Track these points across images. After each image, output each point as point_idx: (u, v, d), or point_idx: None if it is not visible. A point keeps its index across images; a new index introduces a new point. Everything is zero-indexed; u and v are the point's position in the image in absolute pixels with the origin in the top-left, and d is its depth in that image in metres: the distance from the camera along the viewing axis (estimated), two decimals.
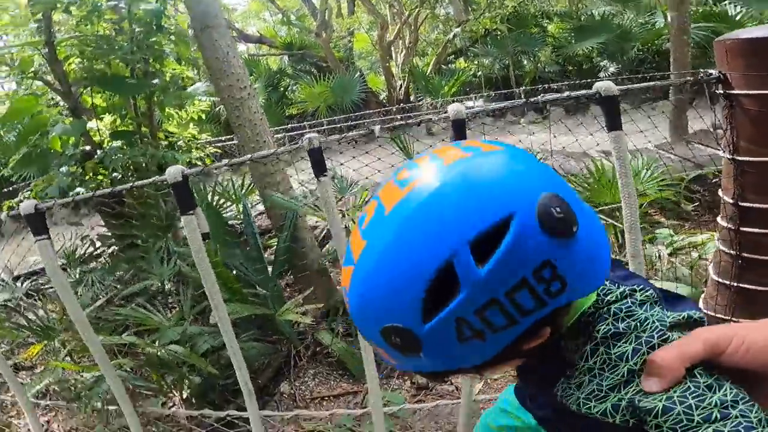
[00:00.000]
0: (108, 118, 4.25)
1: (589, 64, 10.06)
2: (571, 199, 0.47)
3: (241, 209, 3.58)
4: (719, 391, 0.43)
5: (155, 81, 3.61)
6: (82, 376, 2.22)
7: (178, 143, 4.19)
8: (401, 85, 10.59)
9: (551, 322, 0.49)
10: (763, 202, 1.41)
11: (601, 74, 9.55)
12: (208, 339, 2.34)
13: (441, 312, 0.44)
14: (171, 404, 2.62)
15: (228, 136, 7.50)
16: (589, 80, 8.41)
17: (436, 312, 0.44)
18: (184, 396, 2.51)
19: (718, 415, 0.41)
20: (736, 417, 0.41)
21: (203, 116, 5.17)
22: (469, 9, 9.96)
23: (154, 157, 3.63)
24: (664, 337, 0.48)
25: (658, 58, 9.32)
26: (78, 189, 3.61)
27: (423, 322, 0.45)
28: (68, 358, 2.60)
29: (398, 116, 9.20)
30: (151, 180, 1.61)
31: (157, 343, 2.25)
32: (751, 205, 1.42)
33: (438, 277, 0.43)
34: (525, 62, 10.20)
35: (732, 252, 1.47)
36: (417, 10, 9.52)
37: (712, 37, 8.06)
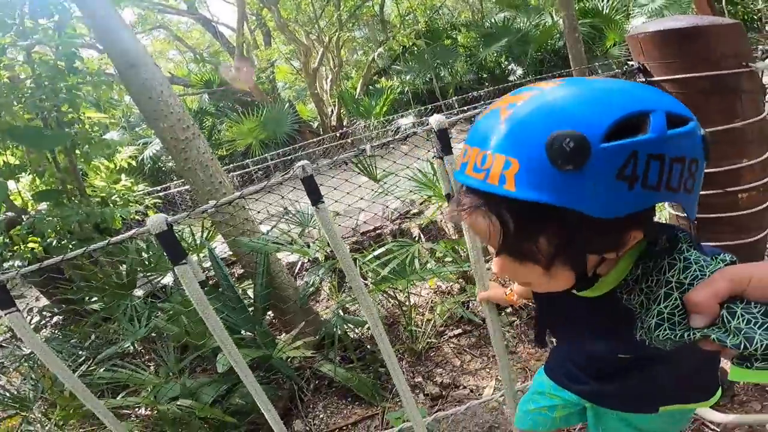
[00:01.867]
0: (26, 178, 3.86)
1: (499, 69, 10.80)
2: None
3: (202, 257, 3.40)
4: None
5: (74, 131, 3.33)
6: None
7: (112, 198, 3.91)
8: (332, 111, 10.67)
9: (649, 228, 0.59)
10: (708, 167, 1.62)
11: (511, 77, 10.27)
12: (210, 390, 2.19)
13: (625, 139, 0.49)
14: None
15: (164, 185, 7.10)
16: (501, 86, 9.09)
17: (618, 138, 0.49)
18: None
19: None
20: None
21: (133, 164, 4.87)
22: (386, 28, 10.34)
23: (90, 216, 3.35)
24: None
25: (554, 56, 10.23)
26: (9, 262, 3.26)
27: (604, 139, 0.49)
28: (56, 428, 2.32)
29: (333, 144, 9.24)
30: (131, 233, 1.48)
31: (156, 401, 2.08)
32: None
33: (633, 117, 0.50)
34: (444, 74, 10.71)
35: (686, 214, 1.69)
36: (337, 33, 9.72)
37: (593, 32, 9.13)
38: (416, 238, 4.17)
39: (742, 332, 0.49)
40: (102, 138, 3.78)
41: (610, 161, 0.49)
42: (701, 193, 1.77)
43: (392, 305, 3.40)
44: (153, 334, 2.86)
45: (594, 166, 0.49)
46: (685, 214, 0.60)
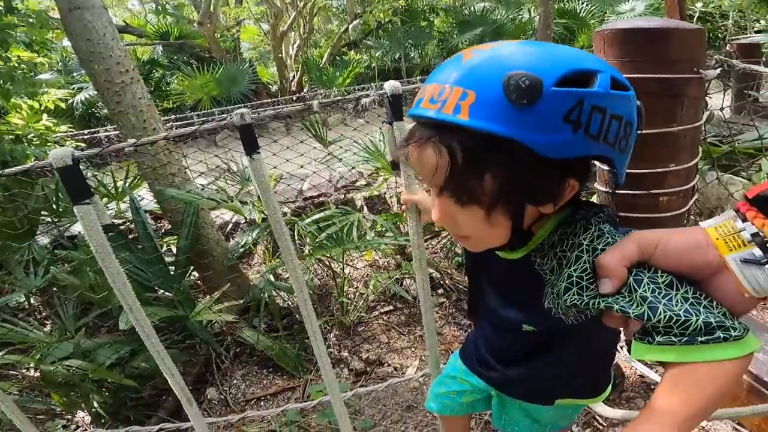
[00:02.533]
0: None
1: None
2: None
3: (123, 207, 3.13)
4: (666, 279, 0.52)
5: None
6: None
7: (29, 137, 3.54)
8: (293, 77, 10.28)
9: (585, 178, 0.61)
10: (637, 167, 1.65)
11: None
12: (108, 351, 2.00)
13: (575, 88, 0.53)
14: (75, 426, 2.22)
15: (91, 130, 6.57)
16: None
17: (568, 85, 0.53)
18: (88, 416, 2.14)
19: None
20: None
21: (62, 106, 4.44)
22: (364, 1, 10.03)
23: None
24: None
25: None
26: None
27: (556, 84, 0.52)
28: None
29: (288, 106, 8.92)
30: (27, 166, 1.28)
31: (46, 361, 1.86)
32: (626, 170, 1.66)
33: (583, 72, 0.54)
34: (413, 55, 10.57)
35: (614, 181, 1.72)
36: (312, 0, 9.32)
37: (565, 33, 9.35)
38: (360, 209, 4.08)
39: (647, 301, 0.50)
40: (27, 76, 3.44)
41: (560, 103, 0.52)
42: (627, 192, 1.77)
43: (327, 275, 3.30)
44: (54, 288, 2.61)
45: (545, 104, 0.52)
46: (610, 191, 0.65)
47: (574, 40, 9.31)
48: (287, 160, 2.57)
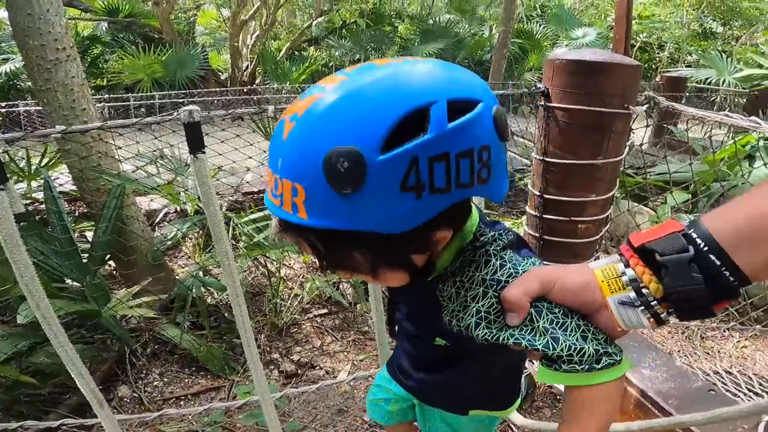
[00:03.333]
0: None
1: None
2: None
3: (34, 187, 2.84)
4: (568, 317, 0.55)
5: None
6: None
7: None
8: (247, 66, 9.95)
9: (455, 221, 0.57)
10: (561, 195, 1.70)
11: None
12: (4, 345, 1.79)
13: (402, 146, 0.45)
14: None
15: (9, 103, 6.00)
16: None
17: (396, 146, 0.45)
18: None
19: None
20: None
21: None
22: None
23: None
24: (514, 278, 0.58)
25: (478, 67, 10.68)
26: None
27: (381, 151, 0.45)
28: None
29: (236, 97, 8.63)
30: (157, 119, 1.14)
31: None
32: (551, 197, 1.71)
33: (413, 113, 0.45)
34: (372, 57, 10.58)
35: (536, 234, 1.78)
36: None
37: (519, 53, 9.73)
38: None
39: (549, 332, 0.54)
40: None
41: (390, 174, 0.45)
42: (548, 217, 1.83)
43: (260, 274, 3.18)
44: None
45: (373, 183, 0.45)
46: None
47: (526, 59, 9.70)
48: (220, 154, 2.45)
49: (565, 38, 10.42)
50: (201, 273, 2.72)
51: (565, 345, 0.53)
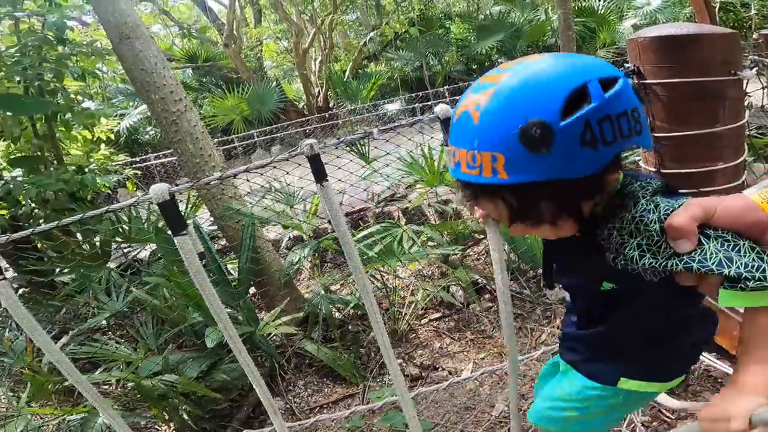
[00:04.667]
0: (1, 144, 3.76)
1: (489, 62, 10.83)
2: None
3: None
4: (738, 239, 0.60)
5: (56, 100, 3.27)
6: (64, 420, 1.95)
7: (90, 167, 3.81)
8: (319, 92, 10.55)
9: (617, 168, 0.69)
10: (683, 167, 1.69)
11: None
12: (193, 365, 2.17)
13: (576, 112, 0.60)
14: None
15: (142, 157, 6.95)
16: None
17: (572, 114, 0.60)
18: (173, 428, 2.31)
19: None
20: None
21: (111, 136, 4.74)
22: (380, 13, 10.22)
23: (69, 184, 3.27)
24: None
25: (544, 53, 10.30)
26: None
27: (561, 118, 0.60)
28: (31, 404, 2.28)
29: (319, 125, 9.14)
30: (132, 201, 1.45)
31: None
32: (672, 171, 1.71)
33: (576, 91, 0.61)
34: (432, 63, 10.67)
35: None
36: (331, 15, 9.57)
37: (585, 32, 9.25)
38: (397, 221, 4.20)
39: (721, 253, 0.58)
40: (84, 108, 3.70)
41: (572, 135, 0.60)
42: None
43: (374, 288, 3.43)
44: (126, 309, 2.82)
45: (560, 142, 0.60)
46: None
47: (595, 37, 9.24)
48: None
49: (629, 8, 9.76)
50: (322, 291, 3.02)
51: (741, 263, 0.56)
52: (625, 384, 0.90)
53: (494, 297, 3.35)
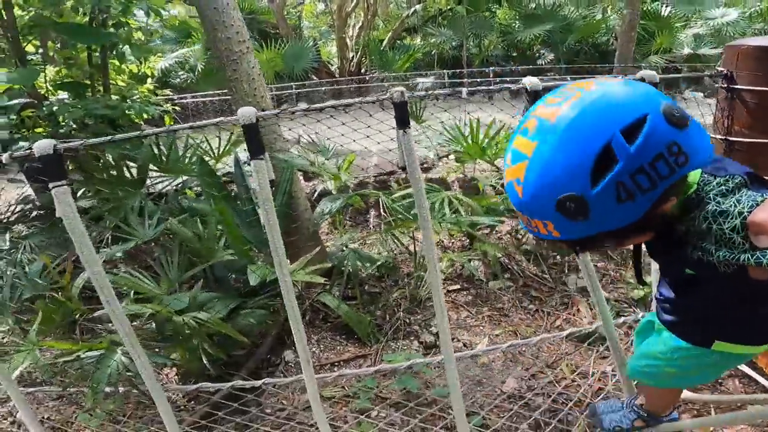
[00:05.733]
0: (51, 69, 3.80)
1: (530, 51, 10.60)
2: (679, 107, 0.68)
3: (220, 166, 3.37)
4: None
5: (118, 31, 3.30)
6: (78, 356, 1.93)
7: (133, 98, 3.83)
8: (353, 57, 10.43)
9: (675, 191, 0.69)
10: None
11: (539, 61, 10.10)
12: (219, 305, 2.18)
13: (605, 177, 0.63)
14: (164, 381, 2.42)
15: (181, 95, 7.01)
16: (530, 66, 9.00)
17: (601, 178, 0.63)
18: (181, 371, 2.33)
19: None
20: None
21: (154, 73, 4.75)
22: None
23: (116, 110, 3.30)
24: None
25: (593, 50, 10.06)
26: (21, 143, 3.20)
27: (591, 187, 0.64)
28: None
29: (350, 86, 9.06)
30: (217, 120, 1.47)
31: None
32: None
33: (601, 154, 0.63)
34: (471, 44, 10.45)
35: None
36: None
37: (642, 35, 8.96)
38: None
39: None
40: (144, 42, 3.74)
41: (605, 198, 0.64)
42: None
43: (397, 252, 3.46)
44: (154, 243, 2.81)
45: (596, 207, 0.65)
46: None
47: (652, 41, 8.97)
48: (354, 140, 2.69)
49: (698, 18, 9.45)
50: (349, 246, 3.04)
51: None
52: (719, 346, 0.95)
53: (514, 277, 3.37)
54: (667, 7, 9.45)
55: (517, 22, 10.32)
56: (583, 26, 9.67)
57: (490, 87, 1.60)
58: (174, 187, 3.28)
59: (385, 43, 10.49)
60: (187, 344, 2.05)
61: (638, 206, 0.65)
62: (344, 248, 2.96)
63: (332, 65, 10.37)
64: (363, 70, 10.25)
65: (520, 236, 3.60)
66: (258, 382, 1.90)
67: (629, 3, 5.78)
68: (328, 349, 2.74)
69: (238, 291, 2.55)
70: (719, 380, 2.11)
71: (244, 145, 3.16)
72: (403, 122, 1.32)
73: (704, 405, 1.82)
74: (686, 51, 9.09)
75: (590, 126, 0.64)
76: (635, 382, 1.36)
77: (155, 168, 3.07)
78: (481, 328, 2.92)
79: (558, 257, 3.47)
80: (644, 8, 9.19)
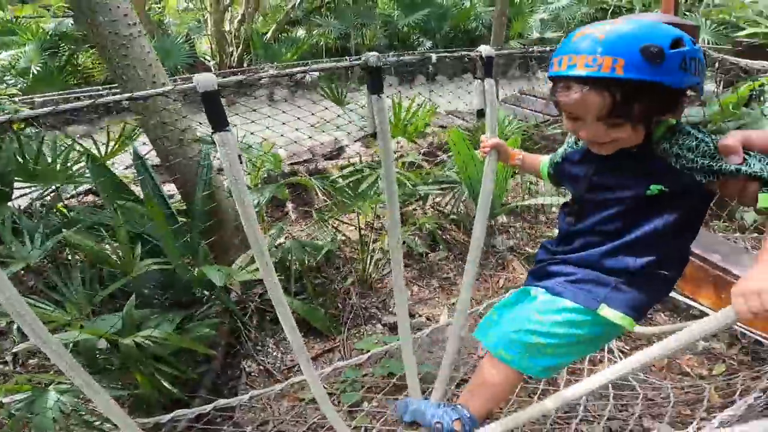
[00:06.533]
0: None
1: (409, 40, 10.98)
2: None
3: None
4: None
5: None
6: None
7: None
8: (232, 52, 9.74)
9: (680, 106, 0.93)
10: None
11: (420, 48, 10.56)
12: (160, 320, 1.80)
13: (679, 48, 0.86)
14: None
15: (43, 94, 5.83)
16: (412, 51, 9.43)
17: (677, 48, 0.86)
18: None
19: None
20: None
21: None
22: None
23: None
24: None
25: (465, 35, 10.77)
26: None
27: (670, 48, 0.85)
28: None
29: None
30: (167, 89, 1.17)
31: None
32: None
33: (676, 39, 0.87)
34: (355, 34, 10.48)
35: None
36: None
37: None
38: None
39: (762, 162, 0.84)
40: None
41: (675, 59, 0.85)
42: None
43: (340, 237, 3.27)
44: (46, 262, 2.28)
45: (668, 61, 0.85)
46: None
47: (510, 26, 9.85)
48: (252, 133, 2.49)
49: (541, 3, 10.60)
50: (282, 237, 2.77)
51: None
52: (604, 311, 0.95)
53: (450, 245, 3.41)
54: None
55: (396, 11, 10.58)
56: (457, 14, 10.27)
57: (443, 52, 1.55)
58: (42, 199, 2.64)
59: (269, 35, 9.98)
60: (142, 369, 1.65)
61: (685, 78, 0.87)
62: (283, 240, 2.69)
63: (209, 61, 9.58)
64: (246, 65, 9.63)
65: (444, 208, 3.66)
66: (244, 398, 1.62)
67: None
68: (290, 350, 2.49)
69: (177, 303, 2.17)
70: (649, 315, 2.33)
71: (143, 138, 2.71)
72: (376, 87, 1.25)
73: None
74: (535, 35, 10.17)
75: (669, 28, 0.88)
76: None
77: (21, 178, 2.44)
78: (438, 299, 2.90)
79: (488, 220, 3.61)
80: None
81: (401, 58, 1.68)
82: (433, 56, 1.57)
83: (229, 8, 9.57)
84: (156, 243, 2.26)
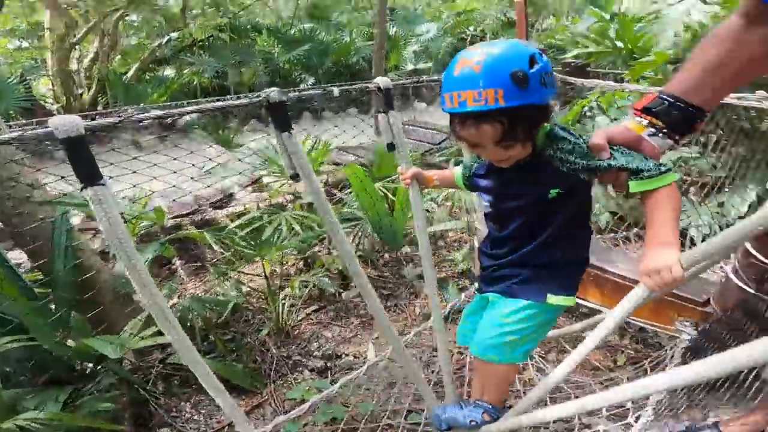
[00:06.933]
0: None
1: (291, 76, 10.92)
2: None
3: None
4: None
5: None
6: None
7: None
8: (82, 93, 8.64)
9: (548, 114, 1.02)
10: None
11: (302, 85, 10.59)
12: (42, 398, 1.37)
13: (535, 66, 0.95)
14: None
15: None
16: (294, 89, 9.37)
17: (533, 67, 0.95)
18: None
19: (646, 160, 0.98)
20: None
21: None
22: (184, 16, 9.17)
23: None
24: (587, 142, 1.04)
25: (346, 70, 11.05)
26: None
27: (530, 68, 0.94)
28: None
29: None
30: (15, 135, 0.91)
31: None
32: None
33: (531, 56, 0.96)
34: (230, 73, 10.10)
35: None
36: (120, 12, 8.02)
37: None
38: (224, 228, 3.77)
39: (625, 156, 0.97)
40: None
41: (535, 78, 0.95)
42: None
43: (245, 290, 2.95)
44: None
45: (531, 82, 0.94)
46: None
47: (388, 59, 10.41)
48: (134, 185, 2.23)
49: (412, 36, 11.44)
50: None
51: (640, 162, 0.95)
52: (551, 299, 1.12)
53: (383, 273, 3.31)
54: (393, 27, 11.13)
55: (277, 48, 10.48)
56: (337, 49, 10.53)
57: (344, 86, 1.50)
58: None
59: (130, 75, 9.08)
60: None
61: (547, 93, 0.97)
62: (177, 300, 2.32)
63: (51, 104, 8.32)
64: (102, 107, 8.57)
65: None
66: None
67: (378, 24, 6.59)
68: (214, 412, 2.15)
69: (56, 381, 1.72)
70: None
71: None
72: (283, 125, 1.18)
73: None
74: (410, 66, 10.95)
75: (522, 46, 0.98)
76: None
77: None
78: (360, 336, 2.76)
79: (386, 255, 3.60)
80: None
81: (304, 92, 1.60)
82: (335, 90, 1.54)
83: (77, 46, 8.54)
84: (17, 320, 1.79)
